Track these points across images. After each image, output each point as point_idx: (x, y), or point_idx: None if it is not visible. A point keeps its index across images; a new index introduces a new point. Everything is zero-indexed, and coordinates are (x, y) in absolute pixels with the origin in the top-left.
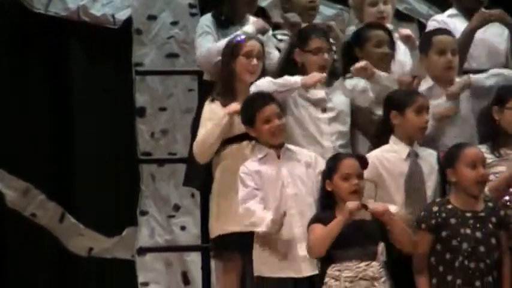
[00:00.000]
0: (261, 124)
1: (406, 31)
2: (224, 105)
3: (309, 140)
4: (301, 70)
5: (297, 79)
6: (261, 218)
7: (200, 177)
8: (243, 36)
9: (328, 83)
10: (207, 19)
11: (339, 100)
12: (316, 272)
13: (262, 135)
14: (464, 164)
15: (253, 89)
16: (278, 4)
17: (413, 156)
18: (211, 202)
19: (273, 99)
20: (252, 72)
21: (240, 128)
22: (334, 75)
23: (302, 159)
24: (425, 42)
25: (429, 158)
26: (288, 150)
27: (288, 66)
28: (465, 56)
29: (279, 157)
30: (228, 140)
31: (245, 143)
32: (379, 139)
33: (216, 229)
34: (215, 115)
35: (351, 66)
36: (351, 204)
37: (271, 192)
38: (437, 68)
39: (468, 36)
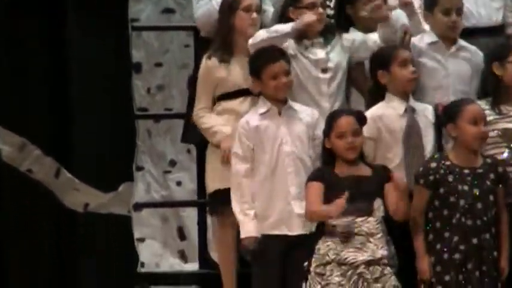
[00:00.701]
0: (268, 79)
1: None
2: (221, 60)
3: (308, 100)
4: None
5: (288, 25)
6: (244, 224)
7: (197, 133)
8: None
9: (325, 40)
10: None
11: (338, 58)
12: (312, 230)
13: (268, 89)
14: (466, 120)
15: (250, 42)
16: None
17: (410, 111)
18: (208, 157)
19: (282, 55)
20: (253, 25)
21: (235, 84)
22: (330, 32)
23: (303, 118)
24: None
25: (425, 112)
26: (290, 108)
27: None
28: None
29: (280, 114)
30: (223, 96)
31: (240, 99)
32: (373, 98)
33: (213, 184)
34: (212, 74)
35: (345, 22)
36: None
37: (268, 148)
38: (441, 27)
39: None
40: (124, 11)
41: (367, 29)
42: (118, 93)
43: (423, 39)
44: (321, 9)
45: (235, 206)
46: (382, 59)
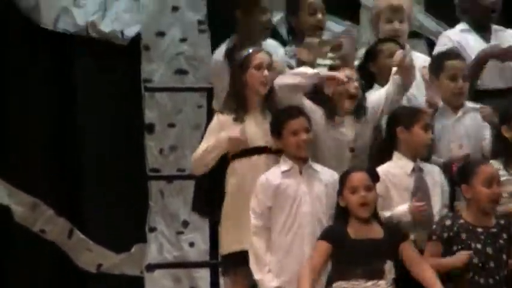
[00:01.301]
0: (289, 136)
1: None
2: (236, 119)
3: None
4: (332, 100)
5: (314, 70)
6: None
7: (209, 204)
8: (249, 50)
9: (356, 118)
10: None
11: (366, 136)
12: None
13: (289, 147)
14: (481, 181)
15: (276, 81)
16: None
17: (418, 171)
18: (222, 218)
19: (302, 112)
20: (264, 83)
21: (251, 141)
22: (361, 109)
23: (323, 179)
24: (437, 64)
25: (432, 171)
26: (310, 167)
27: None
28: (476, 80)
29: (301, 172)
30: (238, 155)
31: (256, 157)
32: (381, 155)
33: (227, 246)
34: (225, 126)
35: (368, 85)
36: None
37: (287, 207)
38: (447, 93)
39: (479, 64)
40: (137, 72)
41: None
42: (131, 154)
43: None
44: (356, 84)
45: (253, 266)
46: (407, 116)
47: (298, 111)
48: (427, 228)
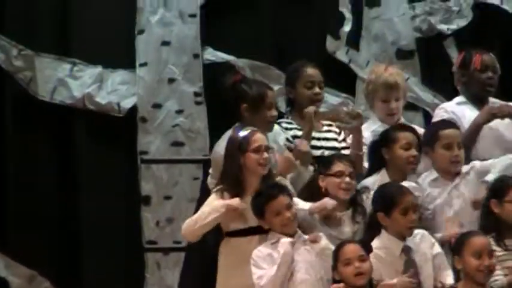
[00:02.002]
0: (272, 217)
1: None
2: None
3: None
4: (325, 195)
5: (307, 205)
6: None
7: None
8: (246, 132)
9: (354, 213)
10: None
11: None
12: None
13: (274, 227)
14: (470, 252)
15: None
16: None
17: (407, 251)
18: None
19: (281, 191)
20: (264, 165)
21: (246, 222)
22: (358, 204)
23: (314, 246)
24: (431, 135)
25: (421, 245)
26: (301, 237)
27: (312, 190)
28: (471, 148)
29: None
30: (233, 233)
31: (249, 238)
32: (370, 232)
33: None
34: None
35: (376, 166)
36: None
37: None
38: (444, 162)
39: (475, 130)
40: (133, 144)
41: (399, 172)
42: (127, 226)
43: (425, 178)
44: (347, 179)
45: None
46: (385, 201)
47: (277, 191)
48: None
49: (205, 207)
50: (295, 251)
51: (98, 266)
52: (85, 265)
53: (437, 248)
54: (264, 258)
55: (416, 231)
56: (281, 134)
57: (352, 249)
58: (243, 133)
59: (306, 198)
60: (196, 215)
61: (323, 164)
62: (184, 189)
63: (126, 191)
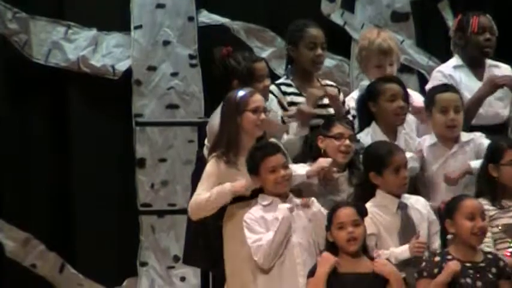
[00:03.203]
0: (266, 174)
1: (419, 103)
2: (228, 162)
3: None
4: (324, 156)
5: (303, 169)
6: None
7: (201, 255)
8: (244, 92)
9: (351, 175)
10: None
11: None
12: None
13: (267, 184)
14: (463, 215)
15: None
16: (282, 55)
17: (403, 208)
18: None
19: (279, 149)
20: (260, 126)
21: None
22: (356, 166)
23: (307, 211)
24: (429, 99)
25: (417, 205)
26: (292, 200)
27: (311, 151)
28: (471, 119)
29: None
30: (235, 199)
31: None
32: (363, 193)
33: None
34: (223, 174)
35: (366, 121)
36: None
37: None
38: (440, 126)
39: (477, 103)
40: (128, 107)
41: (389, 125)
42: (122, 189)
43: (425, 141)
44: (347, 142)
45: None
46: (376, 161)
47: (275, 148)
48: (416, 266)
49: (209, 183)
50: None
51: (92, 229)
52: (79, 229)
53: (433, 215)
54: (257, 221)
55: (411, 196)
56: (273, 99)
57: (347, 213)
58: (241, 93)
59: (303, 155)
60: (202, 197)
61: (323, 125)
62: (179, 151)
63: (120, 154)
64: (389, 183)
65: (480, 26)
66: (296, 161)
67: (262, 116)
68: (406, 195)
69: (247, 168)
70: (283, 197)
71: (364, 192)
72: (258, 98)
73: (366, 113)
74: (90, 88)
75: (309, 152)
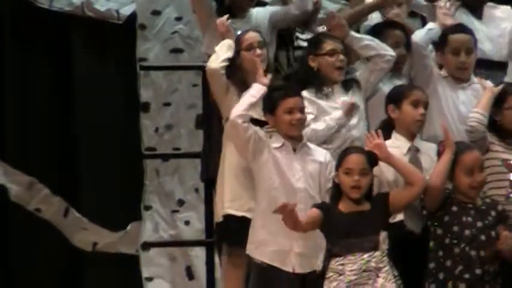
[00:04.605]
0: (282, 114)
1: None
2: (239, 96)
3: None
4: (318, 75)
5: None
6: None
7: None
8: (238, 32)
9: (345, 87)
10: None
11: (359, 103)
12: (313, 269)
13: (282, 125)
14: (462, 170)
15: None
16: None
17: (413, 151)
18: (219, 183)
19: (298, 92)
20: (259, 61)
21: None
22: (350, 80)
23: (316, 157)
24: (441, 40)
25: (429, 151)
26: (304, 146)
27: (306, 73)
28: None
29: (294, 150)
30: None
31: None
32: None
33: (222, 210)
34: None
35: None
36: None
37: (279, 181)
38: (451, 67)
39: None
40: (132, 51)
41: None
42: (126, 133)
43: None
44: (341, 56)
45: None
46: (396, 93)
47: (295, 90)
48: None
49: None
50: (296, 158)
51: (97, 173)
52: (83, 172)
53: None
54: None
55: (426, 142)
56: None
57: (356, 161)
58: (236, 34)
59: (299, 79)
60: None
61: (313, 43)
62: (183, 96)
63: (125, 98)
64: (406, 117)
65: None
66: None
67: (258, 51)
68: (420, 141)
69: (262, 107)
70: (297, 141)
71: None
72: (250, 34)
73: None
74: (94, 32)
75: (304, 75)
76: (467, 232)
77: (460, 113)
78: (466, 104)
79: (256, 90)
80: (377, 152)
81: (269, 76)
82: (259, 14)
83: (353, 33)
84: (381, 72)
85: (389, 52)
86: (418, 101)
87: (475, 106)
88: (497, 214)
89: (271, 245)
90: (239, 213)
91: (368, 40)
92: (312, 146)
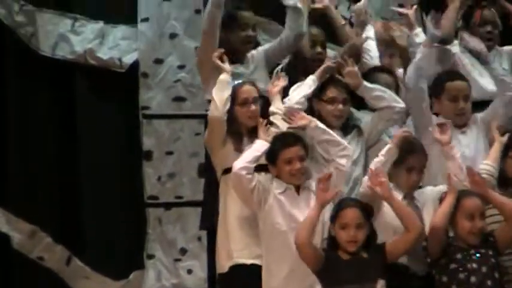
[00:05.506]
0: (283, 164)
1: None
2: (236, 148)
3: None
4: (319, 118)
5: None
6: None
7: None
8: (235, 84)
9: (344, 134)
10: None
11: (357, 151)
12: None
13: (283, 175)
14: (463, 215)
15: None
16: None
17: (408, 198)
18: (220, 233)
19: (298, 140)
20: (252, 117)
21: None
22: (349, 127)
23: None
24: (438, 86)
25: (423, 195)
26: (307, 188)
27: (309, 114)
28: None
29: (298, 193)
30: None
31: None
32: None
33: (225, 262)
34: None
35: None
36: None
37: (289, 224)
38: (449, 114)
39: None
40: (135, 99)
41: None
42: (129, 181)
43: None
44: (340, 106)
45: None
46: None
47: (294, 139)
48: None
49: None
50: (301, 199)
51: (99, 221)
52: (86, 221)
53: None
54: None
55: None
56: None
57: (351, 216)
58: (233, 85)
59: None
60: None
61: (319, 88)
62: (186, 144)
63: (127, 146)
64: (402, 181)
65: (483, 18)
66: None
67: (252, 107)
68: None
69: (265, 157)
70: (299, 185)
71: None
72: (246, 88)
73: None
74: (97, 81)
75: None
76: (473, 279)
77: (465, 157)
78: (470, 147)
79: (260, 146)
80: (379, 190)
81: (270, 131)
82: (256, 56)
83: (365, 83)
84: (389, 122)
85: (400, 104)
86: (412, 168)
87: (487, 158)
88: (496, 252)
89: (278, 281)
90: (249, 261)
91: (380, 91)
92: (313, 187)
